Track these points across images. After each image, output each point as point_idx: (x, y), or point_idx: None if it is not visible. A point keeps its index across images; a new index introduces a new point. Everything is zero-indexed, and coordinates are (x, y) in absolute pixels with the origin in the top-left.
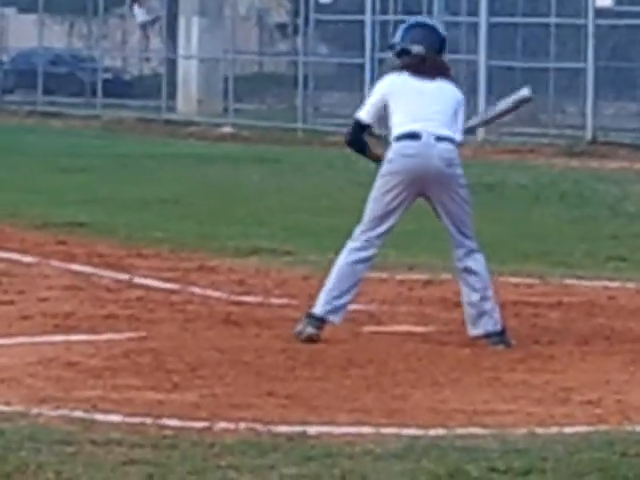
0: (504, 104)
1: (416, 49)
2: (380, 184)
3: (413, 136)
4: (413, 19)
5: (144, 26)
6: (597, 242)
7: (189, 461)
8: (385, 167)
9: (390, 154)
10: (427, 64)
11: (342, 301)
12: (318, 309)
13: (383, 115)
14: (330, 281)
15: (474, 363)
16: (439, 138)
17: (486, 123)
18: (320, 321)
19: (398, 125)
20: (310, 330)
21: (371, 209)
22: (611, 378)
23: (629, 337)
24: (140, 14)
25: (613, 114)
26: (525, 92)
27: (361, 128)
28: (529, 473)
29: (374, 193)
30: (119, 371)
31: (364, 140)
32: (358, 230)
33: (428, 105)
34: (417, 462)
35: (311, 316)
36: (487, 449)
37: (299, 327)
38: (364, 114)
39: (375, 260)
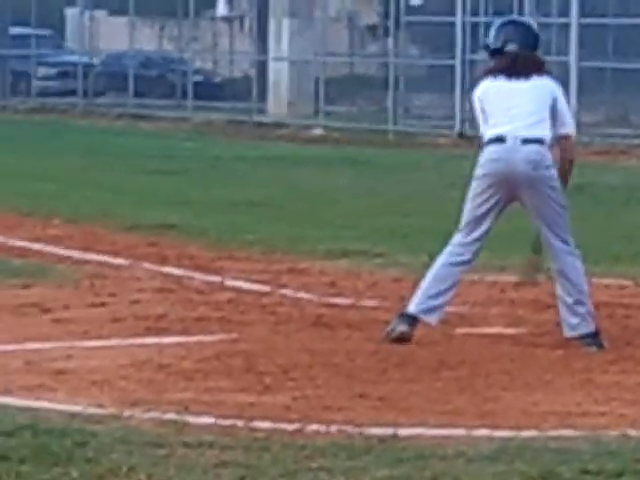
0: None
1: (510, 47)
2: (472, 187)
3: (499, 140)
4: (506, 18)
5: (229, 21)
6: None
7: (280, 463)
8: (476, 171)
9: (481, 158)
10: (520, 62)
11: (437, 302)
12: (411, 307)
13: None
14: (426, 282)
15: (566, 365)
16: (526, 140)
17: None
18: (413, 319)
19: (489, 129)
20: (402, 327)
21: (465, 213)
22: None
23: None
24: (222, 8)
25: None
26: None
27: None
28: (622, 475)
29: (467, 196)
30: (210, 373)
31: None
32: (455, 234)
33: (518, 106)
34: (509, 464)
35: (404, 315)
36: (580, 451)
37: (390, 326)
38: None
39: (474, 264)
